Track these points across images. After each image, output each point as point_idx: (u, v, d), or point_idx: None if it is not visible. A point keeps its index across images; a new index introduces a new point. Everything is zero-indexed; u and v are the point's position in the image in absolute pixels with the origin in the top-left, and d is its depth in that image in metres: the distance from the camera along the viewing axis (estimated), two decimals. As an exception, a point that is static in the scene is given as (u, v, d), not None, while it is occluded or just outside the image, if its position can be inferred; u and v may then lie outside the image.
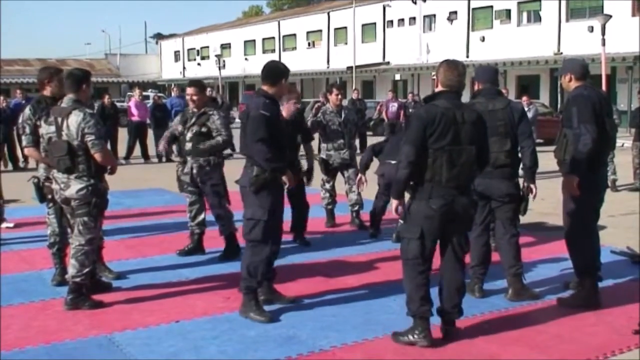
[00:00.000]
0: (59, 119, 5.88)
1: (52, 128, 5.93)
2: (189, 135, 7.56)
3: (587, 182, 5.92)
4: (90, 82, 6.20)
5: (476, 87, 6.40)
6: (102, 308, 5.97)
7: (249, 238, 5.73)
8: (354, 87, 32.70)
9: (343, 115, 9.26)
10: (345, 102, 11.15)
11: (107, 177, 6.22)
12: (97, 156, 5.88)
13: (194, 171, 7.60)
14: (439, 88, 5.20)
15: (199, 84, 7.72)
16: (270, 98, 5.80)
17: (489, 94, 6.24)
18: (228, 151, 10.86)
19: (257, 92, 5.97)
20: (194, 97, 7.53)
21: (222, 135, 7.47)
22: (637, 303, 6.01)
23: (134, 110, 19.20)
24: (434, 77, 5.58)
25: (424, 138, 4.96)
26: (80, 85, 6.05)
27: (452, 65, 5.19)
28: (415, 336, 5.05)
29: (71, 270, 5.95)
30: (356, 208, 9.38)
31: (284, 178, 5.80)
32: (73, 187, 5.90)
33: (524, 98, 15.17)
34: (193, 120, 7.56)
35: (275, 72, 5.90)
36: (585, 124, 5.83)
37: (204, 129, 7.47)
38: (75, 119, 5.82)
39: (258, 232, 5.66)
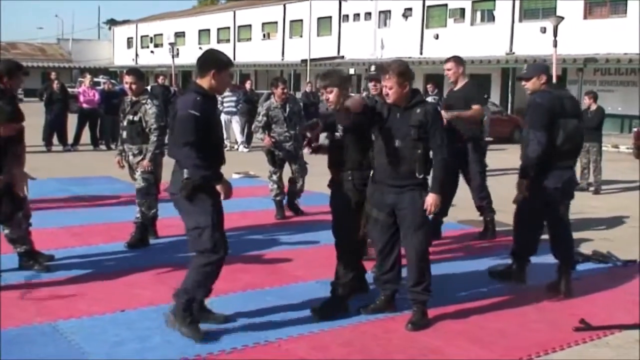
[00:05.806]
0: None
1: None
2: (124, 123, 7.78)
3: (540, 179, 6.14)
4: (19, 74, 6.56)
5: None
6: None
7: (197, 249, 5.02)
8: (307, 80, 32.67)
9: (288, 109, 9.39)
10: (299, 95, 11.23)
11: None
12: None
13: (130, 158, 7.81)
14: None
15: (137, 72, 7.91)
16: (203, 93, 5.07)
17: None
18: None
19: (190, 85, 5.32)
20: (132, 85, 7.68)
21: (153, 132, 7.56)
22: (578, 300, 6.16)
23: (82, 97, 18.79)
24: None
25: None
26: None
27: None
28: None
29: None
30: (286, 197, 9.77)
31: (218, 188, 4.99)
32: None
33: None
34: (128, 109, 7.76)
35: (203, 62, 5.15)
36: (535, 131, 5.95)
37: (136, 118, 7.65)
38: None
39: (206, 240, 4.95)
